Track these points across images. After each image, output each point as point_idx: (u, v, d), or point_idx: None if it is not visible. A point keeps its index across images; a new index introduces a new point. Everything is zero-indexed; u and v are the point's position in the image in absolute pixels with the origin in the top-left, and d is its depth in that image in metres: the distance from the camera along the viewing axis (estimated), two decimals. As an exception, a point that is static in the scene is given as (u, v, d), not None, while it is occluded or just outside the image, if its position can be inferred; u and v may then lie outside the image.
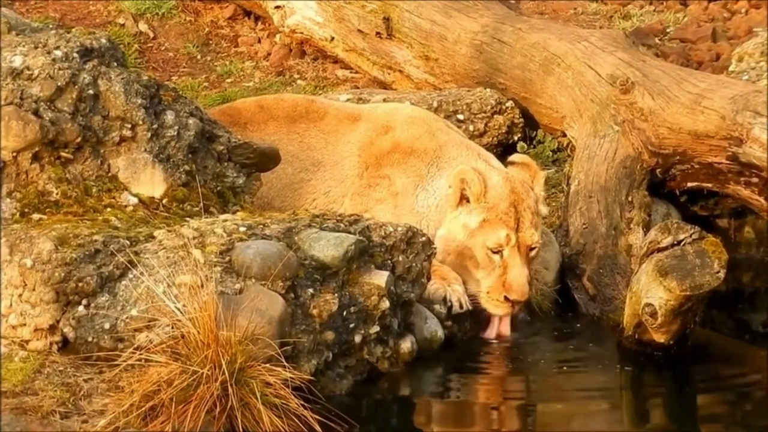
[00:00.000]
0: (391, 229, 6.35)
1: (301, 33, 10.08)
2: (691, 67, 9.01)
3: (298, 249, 5.96)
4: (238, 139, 6.69)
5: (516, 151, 8.25)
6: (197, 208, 6.28)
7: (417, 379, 6.33)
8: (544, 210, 7.19)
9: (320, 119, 7.40)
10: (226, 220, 6.11)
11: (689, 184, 7.91)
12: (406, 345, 6.31)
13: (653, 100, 7.90)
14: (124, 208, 6.21)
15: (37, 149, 6.10)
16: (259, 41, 10.48)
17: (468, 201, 6.89)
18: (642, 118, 7.92)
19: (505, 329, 6.84)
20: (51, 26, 6.61)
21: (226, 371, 5.33)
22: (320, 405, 5.50)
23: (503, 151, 8.41)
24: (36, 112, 6.09)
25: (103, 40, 6.42)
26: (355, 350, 6.07)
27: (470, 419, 6.08)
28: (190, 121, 6.47)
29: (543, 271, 7.30)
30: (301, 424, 5.37)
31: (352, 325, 6.01)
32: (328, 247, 5.98)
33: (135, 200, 6.26)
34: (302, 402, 5.39)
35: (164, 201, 6.31)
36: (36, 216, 6.03)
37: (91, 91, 6.23)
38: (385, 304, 6.08)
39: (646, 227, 7.47)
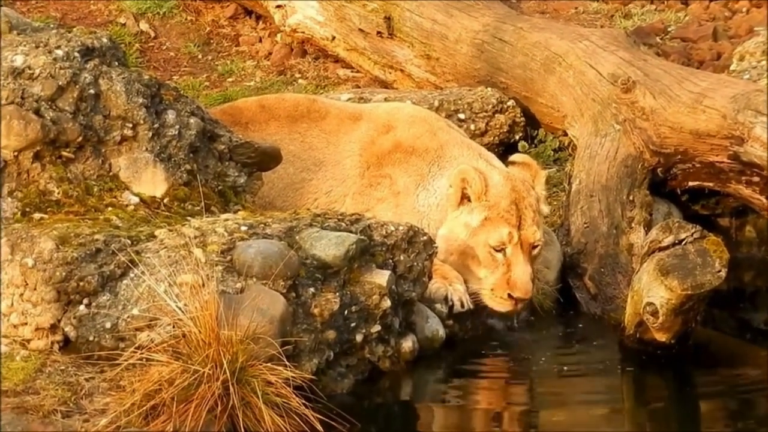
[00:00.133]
0: (393, 229, 6.34)
1: (302, 32, 10.07)
2: (693, 67, 8.99)
3: (300, 248, 5.95)
4: (240, 139, 6.69)
5: (517, 151, 8.24)
6: (198, 208, 6.27)
7: (418, 379, 6.33)
8: (545, 209, 7.19)
9: (322, 119, 7.39)
10: (227, 220, 6.10)
11: (690, 184, 7.91)
12: (408, 344, 6.31)
13: (654, 99, 7.89)
14: (126, 207, 6.20)
15: (38, 148, 6.10)
16: (261, 40, 10.47)
17: (469, 200, 6.88)
18: (643, 117, 7.91)
19: None
20: (52, 26, 6.59)
21: (227, 370, 5.33)
22: (321, 404, 5.49)
23: (504, 150, 8.40)
24: (37, 112, 6.09)
25: (104, 40, 6.42)
26: (356, 349, 6.07)
27: (469, 422, 6.08)
28: (192, 120, 6.46)
29: (544, 270, 7.30)
30: (302, 423, 5.36)
31: (353, 325, 6.01)
32: (329, 246, 5.98)
33: (136, 199, 6.26)
34: (303, 401, 5.38)
35: (165, 200, 6.31)
36: (37, 215, 6.03)
37: (92, 91, 6.22)
38: (387, 303, 6.07)
39: (648, 226, 7.47)
